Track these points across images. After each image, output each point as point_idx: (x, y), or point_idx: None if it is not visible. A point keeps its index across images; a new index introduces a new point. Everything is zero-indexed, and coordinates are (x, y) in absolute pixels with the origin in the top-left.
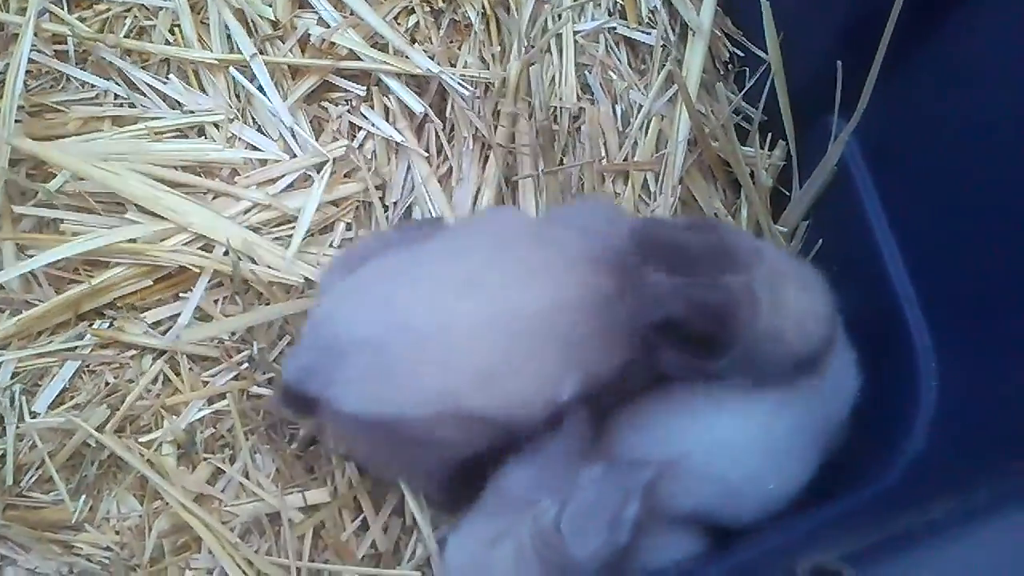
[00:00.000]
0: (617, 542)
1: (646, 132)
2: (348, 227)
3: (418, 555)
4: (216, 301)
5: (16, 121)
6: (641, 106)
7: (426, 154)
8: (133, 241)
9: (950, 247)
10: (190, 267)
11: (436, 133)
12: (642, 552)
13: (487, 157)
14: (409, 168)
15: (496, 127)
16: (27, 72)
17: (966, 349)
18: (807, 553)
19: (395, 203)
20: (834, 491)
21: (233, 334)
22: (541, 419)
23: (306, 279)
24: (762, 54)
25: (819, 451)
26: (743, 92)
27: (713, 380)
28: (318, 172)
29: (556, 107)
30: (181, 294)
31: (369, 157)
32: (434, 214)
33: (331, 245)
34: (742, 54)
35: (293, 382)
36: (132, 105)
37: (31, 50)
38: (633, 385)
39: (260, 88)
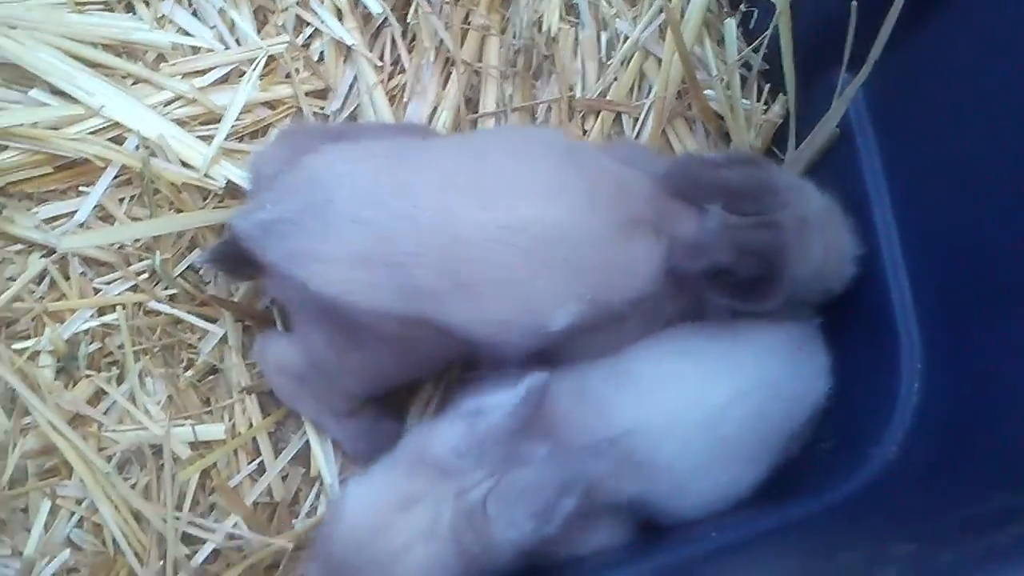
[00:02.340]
0: (544, 533)
1: (626, 67)
2: None
3: (320, 512)
4: (121, 200)
5: None
6: (627, 37)
7: (379, 63)
8: (35, 125)
9: (955, 237)
10: (95, 159)
11: (394, 39)
12: (569, 541)
13: (449, 74)
14: (357, 76)
15: (463, 41)
16: None
17: (957, 352)
18: (744, 560)
19: (336, 112)
20: (795, 490)
21: (136, 240)
22: (521, 348)
23: (228, 185)
24: None
25: (772, 452)
26: (749, 38)
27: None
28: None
29: (533, 25)
30: (82, 188)
31: (315, 59)
32: None
33: None
34: None
35: (247, 236)
36: None
37: None
38: (650, 317)
39: None
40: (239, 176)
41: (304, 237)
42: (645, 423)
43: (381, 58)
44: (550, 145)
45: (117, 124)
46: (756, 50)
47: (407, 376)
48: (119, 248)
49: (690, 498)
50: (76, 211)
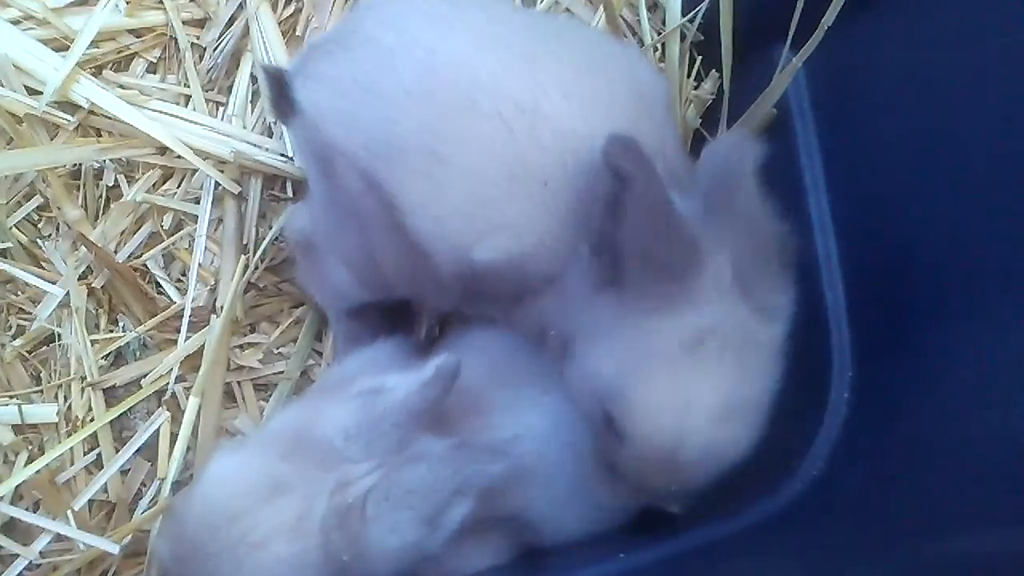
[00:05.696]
0: (430, 546)
1: None
2: (151, 67)
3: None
4: None
5: None
6: None
7: None
8: None
9: (894, 232)
10: None
11: None
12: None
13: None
14: (243, 5)
15: None
16: None
17: (889, 361)
18: None
19: (216, 46)
20: (716, 508)
21: None
22: (442, 269)
23: (87, 113)
24: None
25: None
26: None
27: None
28: None
29: None
30: None
31: None
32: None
33: (121, 87)
34: None
35: (292, 67)
36: None
37: None
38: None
39: None
40: (103, 98)
41: (322, 59)
42: (527, 432)
43: None
44: (629, 67)
45: None
46: (692, 20)
47: (371, 285)
48: None
49: (568, 516)
50: None
